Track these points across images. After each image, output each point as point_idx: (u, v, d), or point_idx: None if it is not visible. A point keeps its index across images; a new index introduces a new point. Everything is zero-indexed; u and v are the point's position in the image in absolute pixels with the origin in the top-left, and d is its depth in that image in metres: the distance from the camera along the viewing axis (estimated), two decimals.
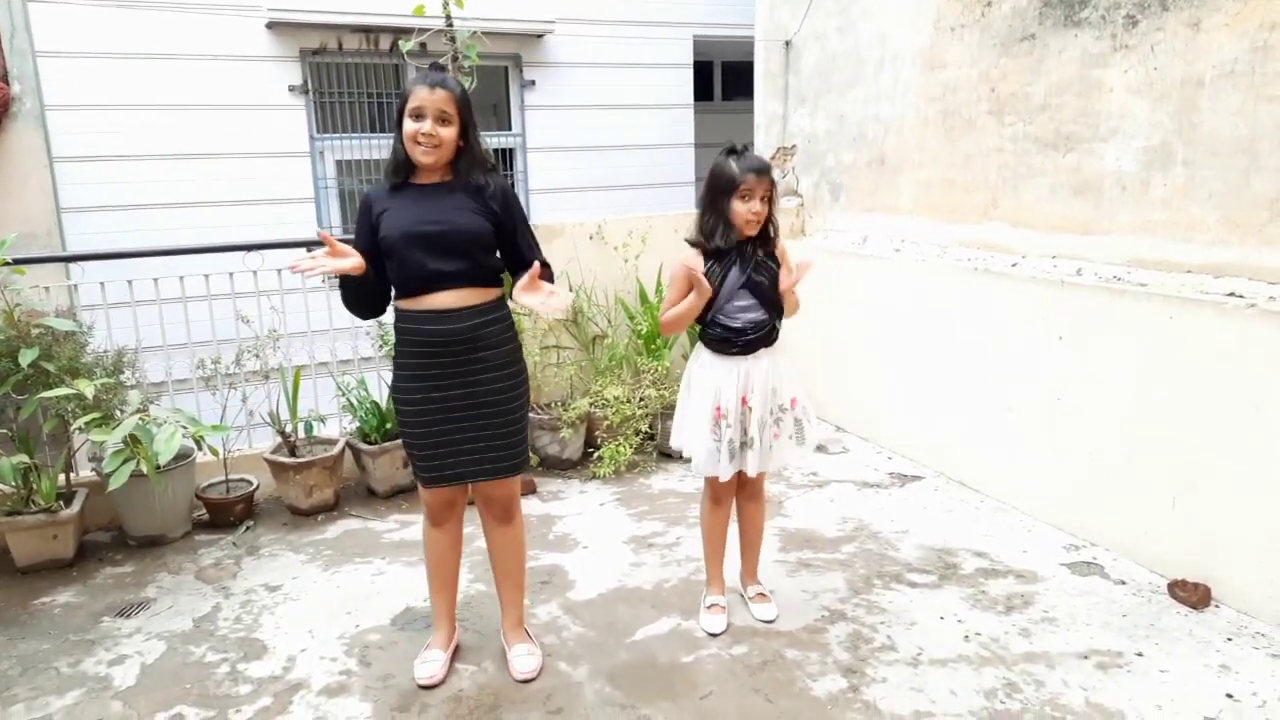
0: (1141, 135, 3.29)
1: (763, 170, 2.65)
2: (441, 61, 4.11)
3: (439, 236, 2.46)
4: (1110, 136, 3.41)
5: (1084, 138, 3.51)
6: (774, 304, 2.76)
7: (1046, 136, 3.67)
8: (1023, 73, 3.75)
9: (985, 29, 3.92)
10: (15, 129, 5.59)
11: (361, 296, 2.61)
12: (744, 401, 2.78)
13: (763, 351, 2.78)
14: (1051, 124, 3.64)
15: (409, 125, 2.44)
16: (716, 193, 2.68)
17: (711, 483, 2.95)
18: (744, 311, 2.73)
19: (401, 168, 2.52)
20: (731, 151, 2.70)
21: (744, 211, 2.64)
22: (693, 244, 2.77)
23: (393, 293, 2.61)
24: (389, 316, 2.69)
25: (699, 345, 2.87)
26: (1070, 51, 3.53)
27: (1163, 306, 3.17)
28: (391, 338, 3.98)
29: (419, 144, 2.44)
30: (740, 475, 2.91)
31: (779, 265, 2.78)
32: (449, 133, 2.46)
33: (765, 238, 2.75)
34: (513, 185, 7.74)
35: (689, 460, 2.89)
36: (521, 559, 2.84)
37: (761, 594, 3.10)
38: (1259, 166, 2.92)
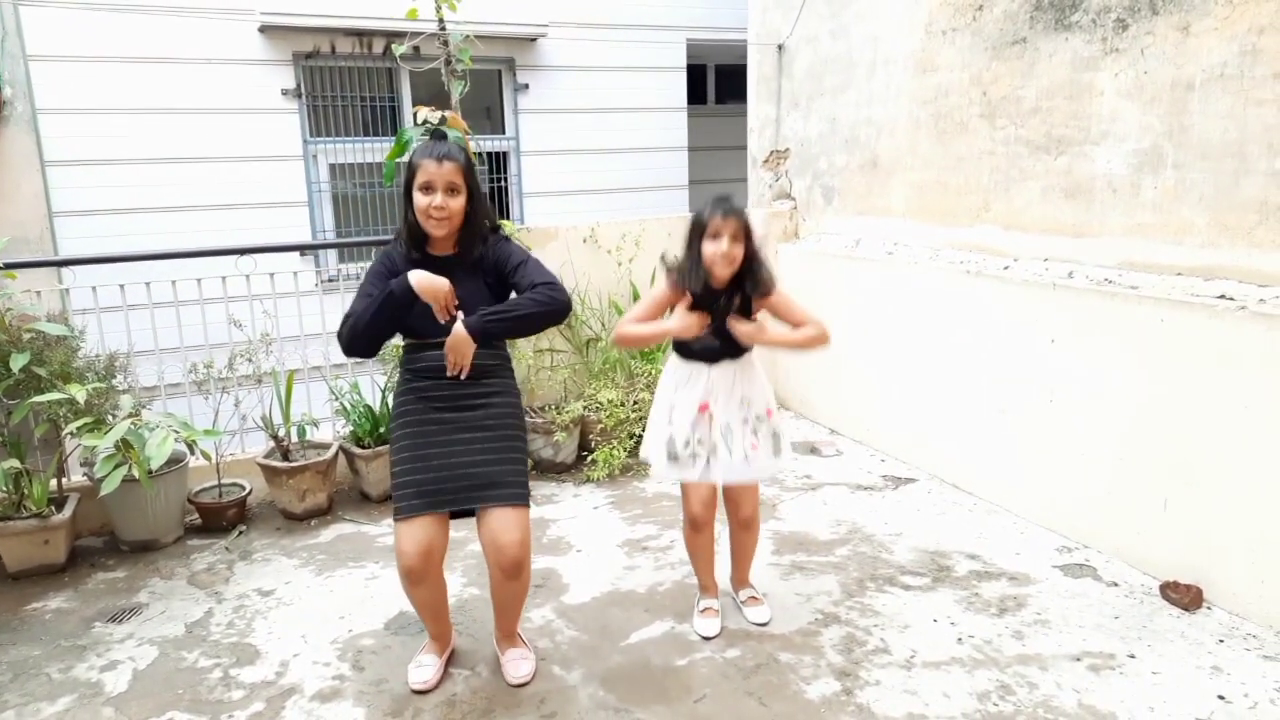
0: (1132, 138, 3.30)
1: (730, 211, 2.65)
2: (429, 66, 4.12)
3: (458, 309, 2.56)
4: (1101, 140, 3.42)
5: (1075, 141, 3.53)
6: (739, 346, 2.80)
7: (1038, 139, 3.68)
8: (1014, 76, 3.76)
9: (976, 32, 3.94)
10: (7, 133, 5.58)
11: (383, 333, 2.59)
12: (703, 408, 2.78)
13: (726, 361, 2.80)
14: (1043, 127, 3.66)
15: (420, 199, 2.47)
16: (691, 236, 2.72)
17: (686, 506, 2.92)
18: (701, 340, 2.78)
19: (419, 241, 2.56)
20: (713, 201, 2.75)
21: (712, 251, 2.65)
22: (668, 269, 2.78)
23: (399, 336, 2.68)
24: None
25: (673, 354, 2.90)
26: (1061, 55, 3.55)
27: (1154, 309, 3.18)
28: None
29: (431, 218, 2.48)
30: (732, 504, 2.94)
31: (752, 316, 2.77)
32: (458, 203, 2.51)
33: (755, 285, 2.73)
34: (506, 189, 7.79)
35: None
36: (524, 599, 2.81)
37: (754, 597, 3.11)
38: (1248, 170, 2.93)
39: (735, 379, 2.81)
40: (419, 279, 2.47)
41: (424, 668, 2.75)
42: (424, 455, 2.58)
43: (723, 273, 2.68)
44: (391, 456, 2.64)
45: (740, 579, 3.16)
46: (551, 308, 2.52)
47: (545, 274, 2.59)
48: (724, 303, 2.73)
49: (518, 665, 2.76)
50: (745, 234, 2.68)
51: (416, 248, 2.58)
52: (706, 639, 2.94)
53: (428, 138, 2.59)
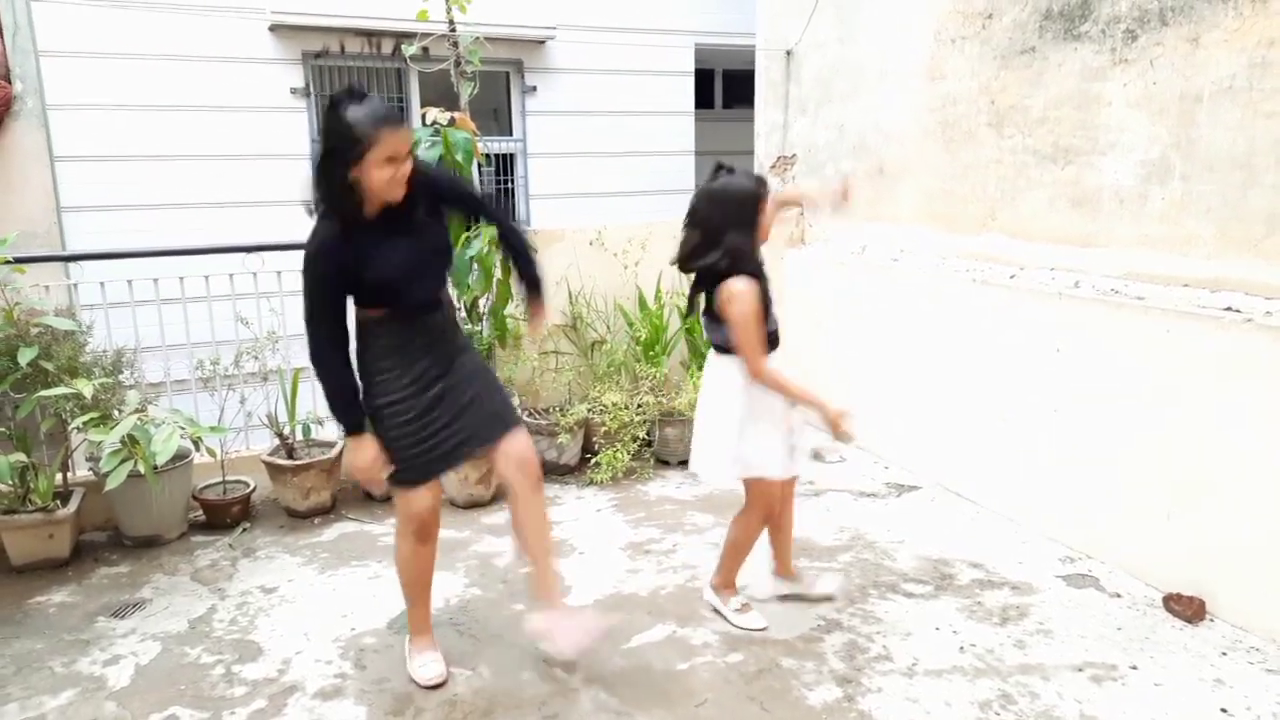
0: (1140, 149, 3.30)
1: (764, 181, 2.76)
2: (438, 67, 4.12)
3: (441, 267, 2.64)
4: (1109, 150, 3.42)
5: (1083, 151, 3.53)
6: None
7: (1045, 149, 3.68)
8: (1022, 85, 3.77)
9: (985, 42, 3.94)
10: (16, 128, 5.60)
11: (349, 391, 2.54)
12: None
13: None
14: (1050, 137, 3.66)
15: (385, 171, 2.31)
16: (745, 214, 2.67)
17: (770, 500, 2.92)
18: (775, 319, 2.81)
19: (353, 210, 2.37)
20: (721, 169, 2.74)
21: (767, 226, 2.73)
22: (732, 274, 2.66)
23: (355, 308, 2.54)
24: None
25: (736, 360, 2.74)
26: (1070, 65, 3.55)
27: (1160, 320, 3.18)
28: None
29: (395, 186, 2.36)
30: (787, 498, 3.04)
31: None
32: (409, 165, 2.40)
33: None
34: (513, 191, 7.80)
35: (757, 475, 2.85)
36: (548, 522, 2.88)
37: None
38: (1256, 182, 2.93)
39: None
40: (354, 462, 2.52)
41: (433, 663, 2.75)
42: (429, 420, 2.56)
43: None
44: (389, 429, 2.55)
45: (788, 564, 3.23)
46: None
47: (480, 190, 2.78)
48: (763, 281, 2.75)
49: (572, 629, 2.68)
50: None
51: (353, 219, 2.38)
52: (758, 630, 2.99)
53: (347, 97, 2.32)
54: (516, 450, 2.65)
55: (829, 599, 3.18)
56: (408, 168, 2.38)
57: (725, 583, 3.11)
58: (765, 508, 2.96)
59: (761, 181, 2.73)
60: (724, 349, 2.79)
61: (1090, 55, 3.47)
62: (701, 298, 2.80)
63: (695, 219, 2.72)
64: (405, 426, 2.55)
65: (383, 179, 2.32)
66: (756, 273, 2.70)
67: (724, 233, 2.65)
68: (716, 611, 3.10)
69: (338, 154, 2.30)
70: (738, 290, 2.62)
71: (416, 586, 2.79)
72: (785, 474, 2.91)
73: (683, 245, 2.76)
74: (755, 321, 2.64)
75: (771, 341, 2.77)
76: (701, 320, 2.89)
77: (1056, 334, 3.58)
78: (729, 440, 2.80)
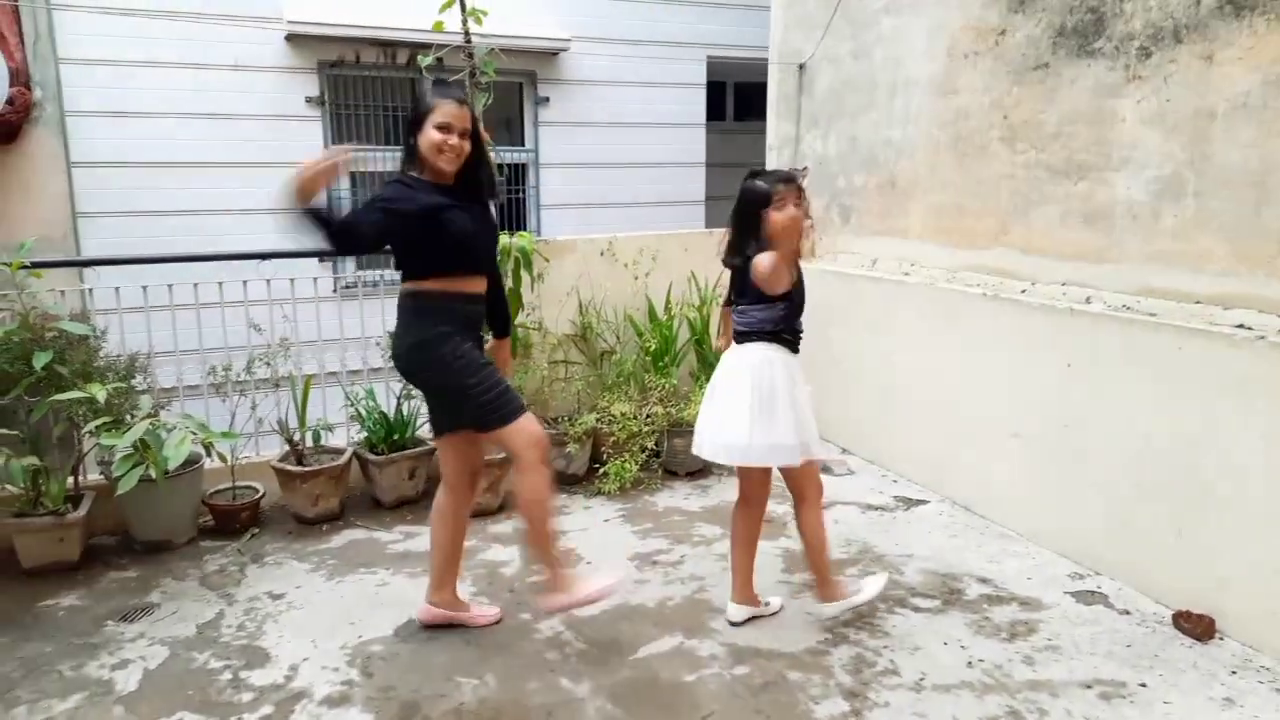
0: (1153, 165, 3.30)
1: (791, 179, 2.88)
2: (454, 78, 4.16)
3: (491, 243, 2.93)
4: (1122, 166, 3.42)
5: (1096, 166, 3.53)
6: None
7: (1058, 164, 3.68)
8: (1035, 101, 3.77)
9: (999, 57, 3.95)
10: (36, 134, 5.67)
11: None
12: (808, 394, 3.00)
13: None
14: (1063, 152, 3.66)
15: (435, 135, 2.66)
16: (750, 211, 2.84)
17: (818, 474, 3.05)
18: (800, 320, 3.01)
19: (416, 167, 2.74)
20: (753, 175, 2.92)
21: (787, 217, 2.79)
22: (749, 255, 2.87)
23: (410, 275, 2.80)
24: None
25: (774, 348, 2.91)
26: (1083, 81, 3.55)
27: (1172, 337, 3.17)
28: None
29: (443, 153, 2.67)
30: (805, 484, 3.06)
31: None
32: (467, 145, 2.73)
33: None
34: (524, 201, 7.84)
35: (829, 465, 3.06)
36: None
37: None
38: (1270, 200, 2.93)
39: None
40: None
41: (595, 578, 2.90)
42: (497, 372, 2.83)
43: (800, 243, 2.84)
44: (478, 371, 2.73)
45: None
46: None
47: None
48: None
49: (489, 607, 3.14)
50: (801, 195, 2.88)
51: (417, 169, 2.74)
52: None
53: (434, 83, 2.78)
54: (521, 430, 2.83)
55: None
56: (459, 143, 2.68)
57: (830, 585, 3.10)
58: (819, 487, 3.05)
59: (783, 179, 2.86)
60: (748, 336, 2.95)
61: (1104, 72, 3.47)
62: (735, 292, 3.03)
63: (730, 218, 2.98)
64: (488, 367, 2.77)
65: (433, 141, 2.65)
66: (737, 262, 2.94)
67: (745, 231, 2.89)
68: (847, 611, 3.12)
69: (411, 119, 2.72)
70: (758, 257, 2.82)
71: (553, 516, 2.88)
72: (822, 453, 3.05)
73: (723, 244, 3.04)
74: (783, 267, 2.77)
75: (795, 340, 2.96)
76: (734, 313, 3.03)
77: (1067, 349, 3.57)
78: (777, 422, 2.88)
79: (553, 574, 2.85)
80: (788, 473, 3.00)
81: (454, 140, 2.67)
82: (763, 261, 2.77)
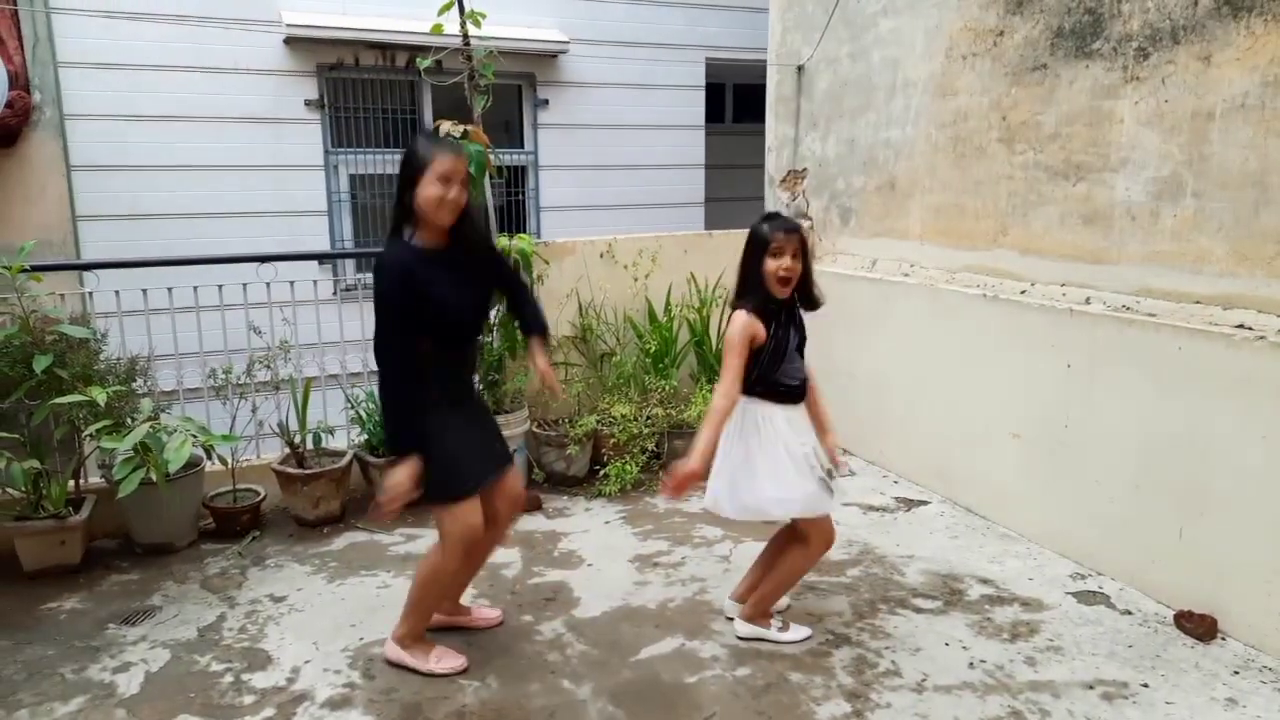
0: (1151, 166, 3.31)
1: (791, 229, 2.80)
2: (452, 80, 4.18)
3: (481, 314, 2.86)
4: (1120, 167, 3.43)
5: (1094, 167, 3.53)
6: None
7: (1057, 165, 3.69)
8: (1034, 102, 3.78)
9: (997, 58, 3.95)
10: (35, 137, 5.67)
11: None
12: (813, 450, 2.90)
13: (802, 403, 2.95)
14: (1062, 153, 3.66)
15: (436, 190, 2.55)
16: (751, 252, 2.82)
17: (828, 535, 2.97)
18: (799, 371, 2.89)
19: (411, 224, 2.64)
20: (767, 218, 2.88)
21: (775, 267, 2.76)
22: (735, 306, 2.84)
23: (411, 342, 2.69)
24: None
25: (756, 401, 2.83)
26: (1081, 82, 3.56)
27: (1171, 337, 3.18)
28: None
29: (443, 208, 2.58)
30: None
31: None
32: (464, 197, 2.65)
33: (809, 298, 2.90)
34: (524, 203, 7.84)
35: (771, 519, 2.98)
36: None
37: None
38: (1268, 200, 2.93)
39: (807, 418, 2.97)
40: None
41: (449, 654, 2.87)
42: (469, 440, 2.78)
43: (784, 290, 2.79)
44: (448, 445, 2.68)
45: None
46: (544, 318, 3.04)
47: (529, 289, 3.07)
48: (784, 317, 2.84)
49: (490, 609, 3.20)
50: (804, 250, 2.80)
51: (408, 230, 2.66)
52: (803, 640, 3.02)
53: (424, 136, 2.75)
54: (513, 486, 2.97)
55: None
56: (459, 195, 2.60)
57: (763, 612, 3.06)
58: (826, 540, 2.98)
59: (787, 229, 2.80)
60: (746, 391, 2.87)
61: (1102, 73, 3.48)
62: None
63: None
64: (460, 440, 2.72)
65: (433, 196, 2.55)
66: (760, 309, 2.79)
67: (742, 271, 2.85)
68: (759, 640, 3.03)
69: (404, 174, 2.61)
70: (734, 320, 2.82)
71: (440, 601, 2.91)
72: (823, 509, 2.91)
73: None
74: (731, 350, 2.77)
75: (787, 393, 2.85)
76: None
77: (1067, 350, 3.58)
78: (756, 479, 2.84)
79: (406, 632, 2.88)
80: (797, 521, 2.97)
81: (454, 194, 2.58)
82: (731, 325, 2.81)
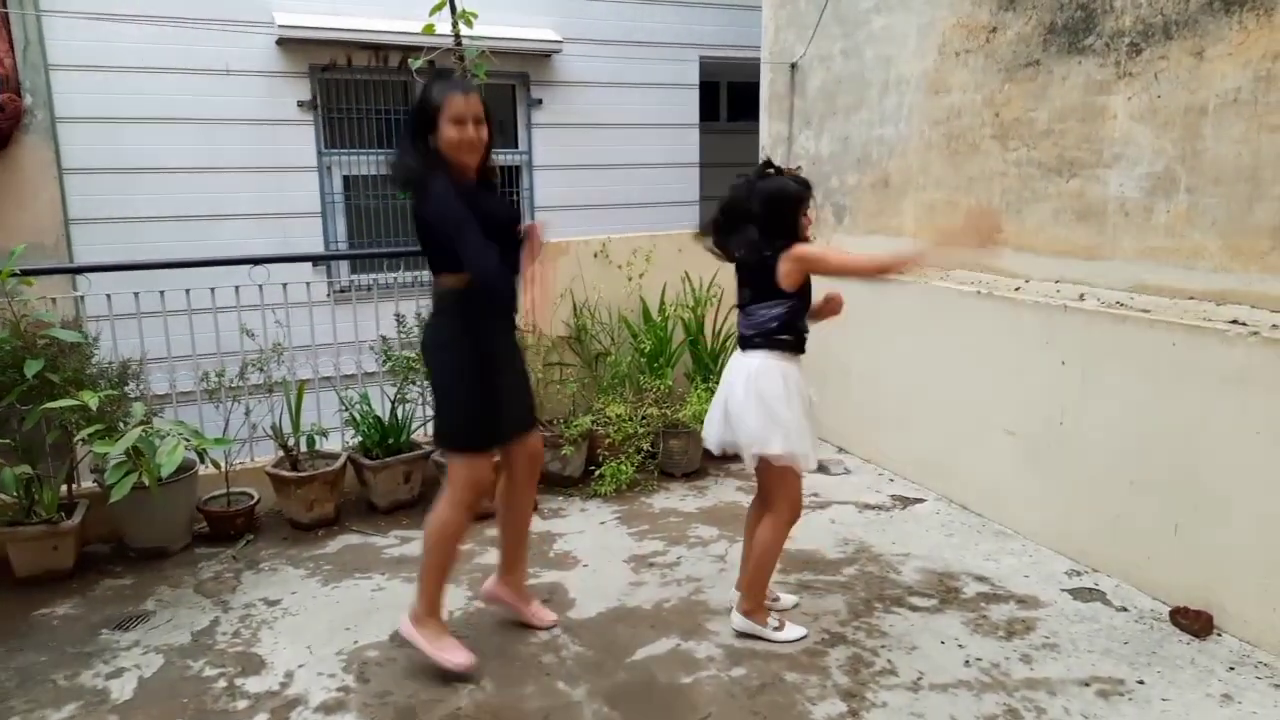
0: (1145, 162, 3.30)
1: (810, 185, 2.95)
2: (446, 68, 4.16)
3: (511, 252, 2.81)
4: (1114, 163, 3.42)
5: (1087, 163, 3.53)
6: None
7: (1050, 161, 3.68)
8: (1027, 98, 3.77)
9: (990, 55, 3.95)
10: (26, 141, 5.64)
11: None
12: (810, 402, 2.96)
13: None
14: (1055, 149, 3.66)
15: (452, 131, 2.58)
16: (789, 210, 2.86)
17: (799, 496, 3.01)
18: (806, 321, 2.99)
19: (442, 169, 2.62)
20: (770, 167, 2.93)
21: (807, 224, 2.89)
22: (783, 247, 2.85)
23: (437, 273, 2.76)
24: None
25: (775, 354, 2.88)
26: (1074, 78, 3.55)
27: (1166, 333, 3.17)
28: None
29: (465, 147, 2.62)
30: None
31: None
32: (485, 133, 2.68)
33: None
34: (518, 202, 7.83)
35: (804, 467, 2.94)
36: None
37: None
38: (1261, 195, 2.93)
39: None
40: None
41: (452, 648, 2.83)
42: (495, 395, 2.75)
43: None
44: (461, 392, 2.72)
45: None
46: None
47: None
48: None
49: (547, 611, 3.13)
50: None
51: (434, 170, 2.63)
52: (798, 640, 3.00)
53: (431, 74, 2.74)
54: (534, 445, 3.01)
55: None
56: (477, 132, 2.62)
57: (757, 605, 3.05)
58: (794, 507, 2.99)
59: (807, 183, 2.92)
60: (750, 341, 2.91)
61: (1094, 68, 3.47)
62: (746, 290, 2.95)
63: (745, 209, 2.89)
64: (477, 392, 2.72)
65: (453, 139, 2.59)
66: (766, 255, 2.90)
67: (775, 225, 2.86)
68: (753, 636, 3.02)
69: (418, 121, 2.63)
70: (803, 245, 2.85)
71: (452, 560, 2.89)
72: (811, 467, 2.97)
73: (741, 240, 2.91)
74: (831, 251, 2.98)
75: (799, 341, 2.92)
76: (739, 316, 2.98)
77: (1061, 347, 3.57)
78: (764, 420, 2.86)
79: (423, 607, 2.85)
80: (764, 477, 2.97)
81: (472, 132, 2.61)
82: (831, 258, 2.98)
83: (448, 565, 2.87)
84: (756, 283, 2.90)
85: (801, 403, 2.88)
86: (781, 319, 2.86)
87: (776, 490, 2.96)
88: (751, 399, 2.85)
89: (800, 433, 2.85)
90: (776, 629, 3.03)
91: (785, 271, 2.82)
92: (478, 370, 2.72)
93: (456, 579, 3.50)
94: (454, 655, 2.82)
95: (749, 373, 2.88)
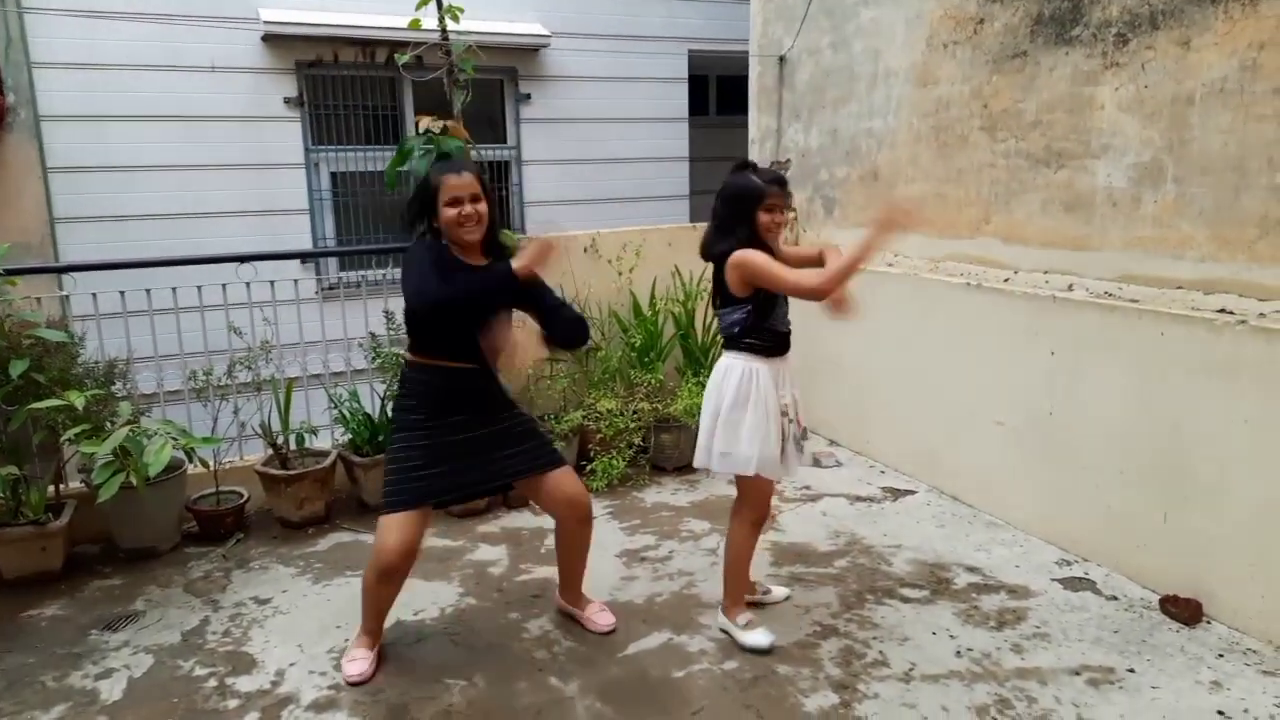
0: (1132, 152, 3.31)
1: (784, 183, 2.84)
2: (432, 75, 4.15)
3: (478, 318, 2.75)
4: (1101, 153, 3.42)
5: (1075, 154, 3.53)
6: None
7: (1038, 153, 3.69)
8: (1014, 89, 3.77)
9: (977, 46, 3.95)
10: (10, 140, 5.59)
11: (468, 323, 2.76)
12: (785, 405, 2.85)
13: (788, 353, 2.91)
14: (1043, 140, 3.66)
15: (450, 212, 2.67)
16: (745, 207, 2.78)
17: (761, 503, 2.95)
18: (788, 316, 2.88)
19: (443, 258, 2.69)
20: (745, 166, 2.86)
21: (768, 220, 2.78)
22: (726, 251, 2.78)
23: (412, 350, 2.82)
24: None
25: (743, 356, 2.82)
26: (1062, 69, 3.56)
27: (1154, 323, 3.18)
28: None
29: (464, 225, 2.68)
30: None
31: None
32: (484, 208, 2.73)
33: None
34: (507, 198, 7.80)
35: (747, 472, 2.84)
36: (590, 545, 3.10)
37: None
38: (1248, 184, 2.93)
39: (791, 369, 2.90)
40: (523, 262, 2.63)
41: (359, 661, 2.84)
42: (436, 452, 2.75)
43: (776, 239, 2.84)
44: (393, 453, 2.79)
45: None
46: (587, 329, 2.94)
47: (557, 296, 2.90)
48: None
49: (603, 615, 3.08)
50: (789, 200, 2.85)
51: (443, 264, 2.68)
52: (768, 650, 2.90)
53: (431, 155, 2.77)
54: (566, 484, 2.94)
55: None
56: (474, 209, 2.68)
57: (734, 602, 3.03)
58: (756, 509, 2.95)
59: (773, 180, 2.82)
60: (726, 345, 2.89)
61: (1082, 59, 3.47)
62: (715, 294, 2.91)
63: (714, 209, 2.87)
64: (409, 455, 2.75)
65: (451, 218, 2.68)
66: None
67: (730, 223, 2.80)
68: (725, 633, 3.01)
69: (419, 205, 2.75)
70: (743, 252, 2.74)
71: (368, 612, 2.90)
72: (775, 474, 2.89)
73: (704, 235, 2.91)
74: (770, 264, 2.71)
75: (769, 344, 2.83)
76: (719, 315, 2.91)
77: (1051, 337, 3.58)
78: (716, 431, 2.85)
79: (364, 634, 2.92)
80: (738, 481, 2.95)
81: (469, 209, 2.67)
82: (749, 258, 2.72)
83: (370, 612, 2.89)
84: (716, 286, 2.86)
85: (765, 405, 2.78)
86: (742, 324, 2.80)
87: (740, 491, 2.96)
88: (710, 404, 2.87)
89: (757, 437, 2.77)
90: (745, 627, 2.96)
91: (729, 278, 2.78)
92: (417, 434, 2.76)
93: (446, 576, 3.50)
94: (350, 666, 2.85)
95: (716, 377, 2.88)
